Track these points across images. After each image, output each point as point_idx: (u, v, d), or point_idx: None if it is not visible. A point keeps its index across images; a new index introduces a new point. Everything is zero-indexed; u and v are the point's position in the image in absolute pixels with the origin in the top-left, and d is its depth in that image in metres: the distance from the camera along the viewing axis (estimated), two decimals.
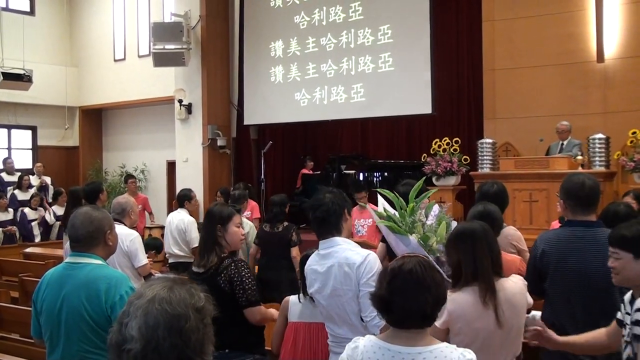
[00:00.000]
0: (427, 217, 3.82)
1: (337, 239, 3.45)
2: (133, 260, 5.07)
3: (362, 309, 3.26)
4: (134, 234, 5.24)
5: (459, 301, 2.98)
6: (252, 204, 9.37)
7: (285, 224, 7.08)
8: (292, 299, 4.17)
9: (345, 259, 3.35)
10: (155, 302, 1.64)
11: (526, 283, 3.22)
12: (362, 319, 3.30)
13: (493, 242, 3.13)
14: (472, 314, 2.95)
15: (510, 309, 3.02)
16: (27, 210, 11.98)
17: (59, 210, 11.23)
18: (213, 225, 3.79)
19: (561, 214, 5.79)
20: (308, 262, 3.58)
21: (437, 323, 2.88)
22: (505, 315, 2.98)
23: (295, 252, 6.98)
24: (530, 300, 3.24)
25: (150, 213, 11.57)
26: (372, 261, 3.31)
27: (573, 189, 3.71)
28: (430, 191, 4.02)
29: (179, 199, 8.13)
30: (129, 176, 11.83)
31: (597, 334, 3.14)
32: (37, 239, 11.60)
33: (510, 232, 4.66)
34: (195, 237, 7.57)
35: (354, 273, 3.30)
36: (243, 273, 3.67)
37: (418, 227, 3.71)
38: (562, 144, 9.64)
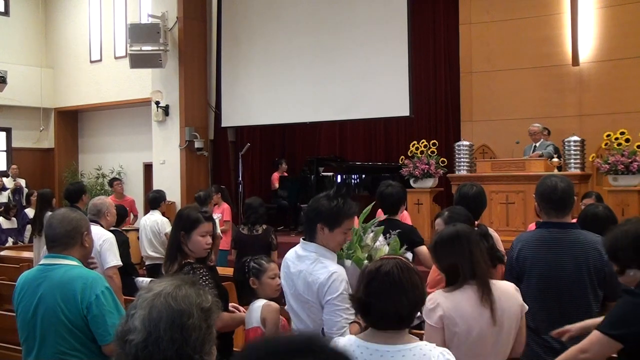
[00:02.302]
0: (374, 242, 3.77)
1: (313, 245, 3.34)
2: (103, 261, 4.97)
3: (325, 326, 3.22)
4: (107, 234, 5.19)
5: (456, 299, 2.92)
6: (224, 206, 9.31)
7: (264, 226, 7.01)
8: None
9: (311, 271, 3.27)
10: (161, 296, 1.69)
11: (517, 288, 3.18)
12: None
13: (481, 243, 3.12)
14: (469, 311, 2.90)
15: (503, 310, 2.99)
16: (0, 219, 11.85)
17: (32, 213, 11.13)
18: (178, 230, 3.65)
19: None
20: (287, 255, 3.50)
21: (431, 321, 2.88)
22: (499, 315, 2.95)
23: (275, 256, 6.93)
24: (525, 305, 3.17)
25: (135, 216, 11.46)
26: (336, 281, 3.19)
27: (546, 192, 3.75)
28: (377, 218, 3.94)
29: (153, 201, 8.07)
30: (114, 179, 11.75)
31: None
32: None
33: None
34: None
35: (315, 289, 3.24)
36: (201, 280, 3.58)
37: (357, 250, 3.65)
38: (535, 146, 9.73)
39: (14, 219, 11.91)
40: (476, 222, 4.27)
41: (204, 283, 3.56)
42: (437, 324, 2.89)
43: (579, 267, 3.52)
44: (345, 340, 2.45)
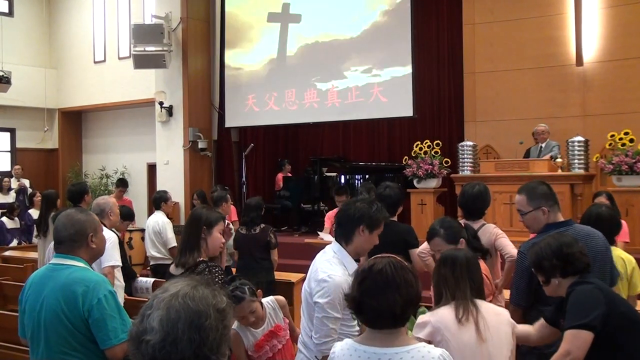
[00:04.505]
0: None
1: (338, 246, 3.41)
2: (101, 258, 4.94)
3: (314, 328, 3.27)
4: (110, 234, 5.19)
5: (441, 314, 3.01)
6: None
7: (262, 225, 7.04)
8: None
9: (318, 267, 3.34)
10: (178, 297, 1.69)
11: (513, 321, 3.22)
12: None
13: (475, 269, 3.18)
14: (454, 328, 2.96)
15: (493, 331, 3.01)
16: (4, 219, 11.87)
17: (36, 214, 11.14)
18: (199, 227, 3.77)
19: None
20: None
21: (422, 334, 2.94)
22: (490, 332, 2.97)
23: (275, 255, 6.96)
24: (517, 325, 3.25)
25: None
26: (327, 288, 3.21)
27: (546, 192, 3.82)
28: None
29: (155, 202, 8.12)
30: (123, 183, 11.77)
31: (526, 331, 3.37)
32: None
33: (490, 229, 4.89)
34: (171, 237, 7.66)
35: (313, 284, 3.31)
36: (217, 279, 3.63)
37: None
38: (541, 147, 9.70)
39: (16, 219, 11.93)
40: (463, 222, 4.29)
41: (219, 283, 3.60)
42: (426, 337, 2.95)
43: None
44: (343, 345, 2.45)
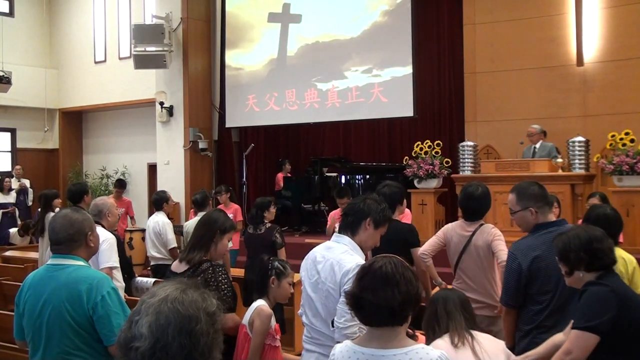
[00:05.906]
0: None
1: (347, 239, 3.48)
2: (99, 260, 4.94)
3: (337, 315, 3.28)
4: (108, 236, 5.19)
5: (435, 344, 3.02)
6: (235, 207, 9.34)
7: (268, 225, 7.07)
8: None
9: (339, 259, 3.37)
10: (167, 302, 1.64)
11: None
12: (332, 324, 3.33)
13: (467, 304, 3.25)
14: (451, 352, 2.96)
15: (492, 354, 3.06)
16: (13, 231, 11.77)
17: None
18: (214, 229, 3.89)
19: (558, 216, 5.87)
20: (316, 248, 3.61)
21: None
22: (489, 355, 3.03)
23: (282, 255, 6.93)
24: (512, 354, 3.28)
25: (132, 217, 11.47)
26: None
27: (540, 193, 3.87)
28: None
29: (156, 203, 8.07)
30: (120, 183, 11.75)
31: (558, 341, 3.27)
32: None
33: (488, 229, 4.93)
34: (171, 238, 7.65)
35: (339, 276, 3.32)
36: (220, 278, 3.70)
37: None
38: (535, 147, 9.67)
39: (31, 237, 11.56)
40: None
41: (223, 282, 3.72)
42: None
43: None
44: (342, 347, 2.47)
